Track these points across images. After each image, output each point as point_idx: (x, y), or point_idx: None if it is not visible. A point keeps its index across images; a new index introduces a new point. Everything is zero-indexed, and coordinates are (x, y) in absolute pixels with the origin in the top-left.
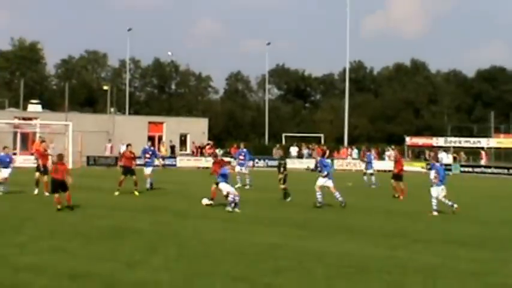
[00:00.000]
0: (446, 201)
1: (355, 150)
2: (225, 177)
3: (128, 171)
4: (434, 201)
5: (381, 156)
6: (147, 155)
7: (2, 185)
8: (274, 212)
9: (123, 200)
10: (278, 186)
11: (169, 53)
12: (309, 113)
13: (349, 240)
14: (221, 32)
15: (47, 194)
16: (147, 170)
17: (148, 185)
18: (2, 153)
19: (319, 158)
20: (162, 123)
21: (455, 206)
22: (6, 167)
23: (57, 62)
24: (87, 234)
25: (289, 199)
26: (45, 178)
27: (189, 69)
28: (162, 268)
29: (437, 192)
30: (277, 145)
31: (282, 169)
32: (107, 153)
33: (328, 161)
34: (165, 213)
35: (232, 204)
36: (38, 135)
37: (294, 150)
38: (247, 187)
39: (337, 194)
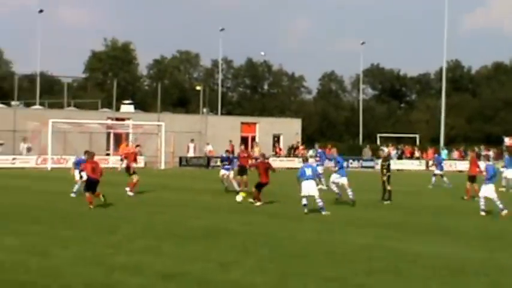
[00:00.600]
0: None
1: (445, 151)
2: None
3: (243, 171)
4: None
5: (465, 157)
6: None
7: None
8: (368, 212)
9: (215, 201)
10: (382, 186)
11: (262, 53)
12: (404, 113)
13: (444, 242)
14: (315, 32)
15: (131, 193)
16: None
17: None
18: (83, 157)
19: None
20: (255, 123)
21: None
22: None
23: (149, 63)
24: (180, 235)
25: (389, 202)
26: (134, 178)
27: (282, 69)
28: (255, 269)
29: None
30: (367, 146)
31: (385, 170)
32: (190, 154)
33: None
34: (258, 214)
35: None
36: (130, 135)
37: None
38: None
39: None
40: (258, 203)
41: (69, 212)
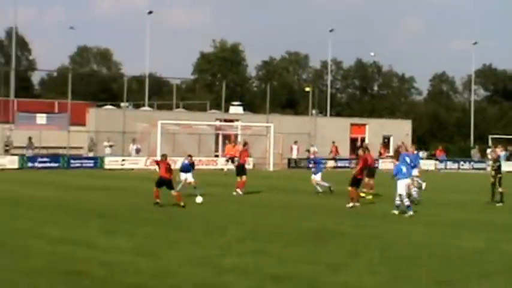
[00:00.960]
0: None
1: None
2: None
3: (372, 172)
4: None
5: None
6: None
7: (196, 189)
8: (479, 214)
9: (324, 203)
10: (491, 188)
11: (372, 54)
12: None
13: None
14: (425, 32)
15: (237, 193)
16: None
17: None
18: (186, 161)
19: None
20: (364, 125)
21: None
22: (188, 171)
23: (258, 64)
24: (288, 236)
25: (501, 204)
26: (244, 178)
27: (392, 70)
28: (365, 271)
29: None
30: (476, 147)
31: (494, 172)
32: (294, 155)
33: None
34: (368, 216)
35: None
36: (239, 137)
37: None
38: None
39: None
40: (356, 204)
41: (178, 213)
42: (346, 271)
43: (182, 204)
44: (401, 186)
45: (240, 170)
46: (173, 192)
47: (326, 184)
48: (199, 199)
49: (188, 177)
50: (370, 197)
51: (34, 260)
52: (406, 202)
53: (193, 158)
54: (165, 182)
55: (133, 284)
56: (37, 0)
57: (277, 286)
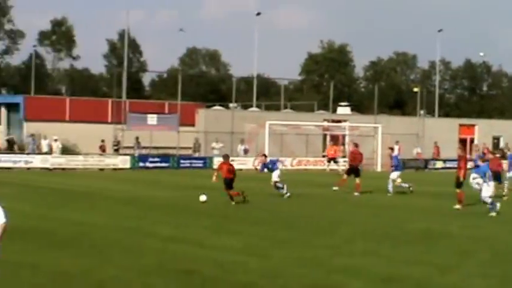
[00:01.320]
0: None
1: None
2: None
3: (498, 176)
4: None
5: None
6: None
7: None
8: None
9: (433, 204)
10: None
11: (481, 54)
12: None
13: None
14: None
15: (356, 193)
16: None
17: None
18: (273, 159)
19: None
20: (473, 125)
21: None
22: (273, 170)
23: (365, 64)
24: (397, 237)
25: None
26: (357, 180)
27: (502, 70)
28: (475, 273)
29: None
30: None
31: None
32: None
33: None
34: (476, 217)
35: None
36: (347, 137)
37: None
38: None
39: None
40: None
41: (287, 213)
42: (455, 273)
43: (241, 198)
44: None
45: (354, 171)
46: (230, 192)
47: (405, 185)
48: (203, 197)
49: (273, 175)
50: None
51: (146, 258)
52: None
53: (301, 159)
54: (228, 182)
55: (244, 283)
56: (148, 3)
57: (387, 287)
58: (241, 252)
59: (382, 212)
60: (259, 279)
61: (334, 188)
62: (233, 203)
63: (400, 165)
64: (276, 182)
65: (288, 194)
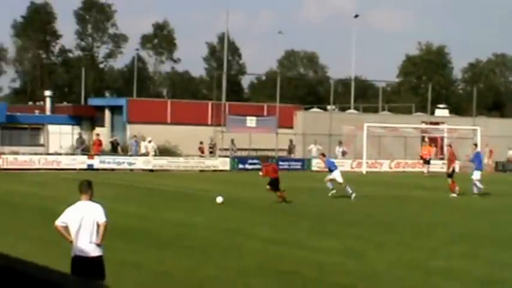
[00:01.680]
0: None
1: None
2: None
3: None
4: None
5: None
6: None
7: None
8: None
9: None
10: None
11: None
12: None
13: None
14: None
15: (453, 195)
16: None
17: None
18: (331, 159)
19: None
20: None
21: None
22: (332, 170)
23: (464, 66)
24: (497, 240)
25: None
26: (449, 180)
27: None
28: None
29: None
30: None
31: None
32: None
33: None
34: None
35: None
36: (445, 140)
37: None
38: None
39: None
40: None
41: (382, 215)
42: None
43: (286, 200)
44: None
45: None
46: (278, 193)
47: (480, 186)
48: (219, 199)
49: (336, 176)
50: None
51: (246, 259)
52: None
53: (399, 161)
54: (274, 182)
55: (343, 285)
56: (247, 6)
57: None
58: (340, 254)
59: (480, 215)
60: (358, 282)
61: (452, 195)
62: (284, 203)
63: (481, 164)
64: (329, 180)
65: (354, 195)
